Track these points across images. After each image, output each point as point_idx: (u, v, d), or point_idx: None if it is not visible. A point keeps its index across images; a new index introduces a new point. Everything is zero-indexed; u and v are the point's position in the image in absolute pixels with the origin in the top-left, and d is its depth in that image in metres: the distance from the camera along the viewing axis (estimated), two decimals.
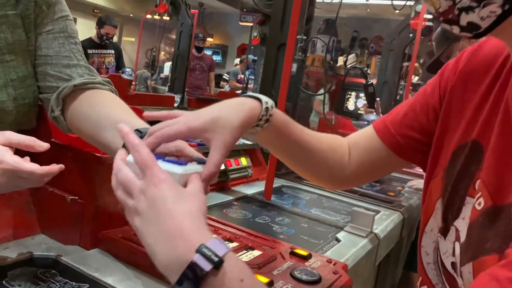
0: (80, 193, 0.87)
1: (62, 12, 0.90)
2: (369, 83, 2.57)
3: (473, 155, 0.53)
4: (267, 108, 0.58)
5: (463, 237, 0.51)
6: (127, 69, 3.93)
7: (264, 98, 0.60)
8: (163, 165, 0.49)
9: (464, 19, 0.42)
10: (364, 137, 0.72)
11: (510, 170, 0.45)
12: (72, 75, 0.87)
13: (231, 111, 0.53)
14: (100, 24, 3.81)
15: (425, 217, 0.62)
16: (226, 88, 6.99)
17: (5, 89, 0.81)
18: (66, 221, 0.87)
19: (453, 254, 0.53)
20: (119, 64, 3.98)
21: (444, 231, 0.57)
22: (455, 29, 0.43)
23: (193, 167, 0.52)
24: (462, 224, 0.52)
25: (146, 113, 0.58)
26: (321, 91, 3.49)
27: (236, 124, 0.52)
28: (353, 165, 0.72)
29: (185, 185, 0.48)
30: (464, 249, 0.50)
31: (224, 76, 7.98)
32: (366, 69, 4.53)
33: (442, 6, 0.42)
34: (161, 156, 0.52)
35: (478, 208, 0.49)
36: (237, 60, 8.20)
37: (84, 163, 0.88)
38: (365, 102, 6.00)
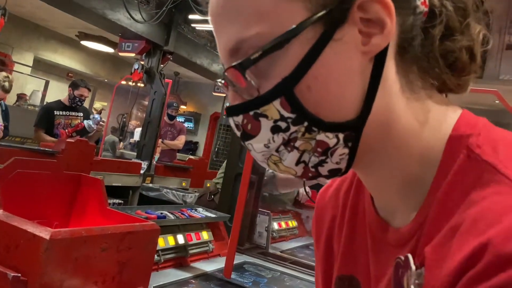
0: (24, 270, 0.81)
1: None
2: None
3: None
4: None
5: None
6: (96, 116, 3.74)
7: None
8: None
9: (323, 170, 0.42)
10: None
11: None
12: None
13: None
14: (74, 86, 3.76)
15: None
16: None
17: None
18: None
19: None
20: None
21: None
22: (322, 180, 0.44)
23: None
24: None
25: None
26: None
27: None
28: None
29: None
30: None
31: None
32: None
33: (297, 171, 0.43)
34: None
35: None
36: None
37: (32, 237, 0.84)
38: None
